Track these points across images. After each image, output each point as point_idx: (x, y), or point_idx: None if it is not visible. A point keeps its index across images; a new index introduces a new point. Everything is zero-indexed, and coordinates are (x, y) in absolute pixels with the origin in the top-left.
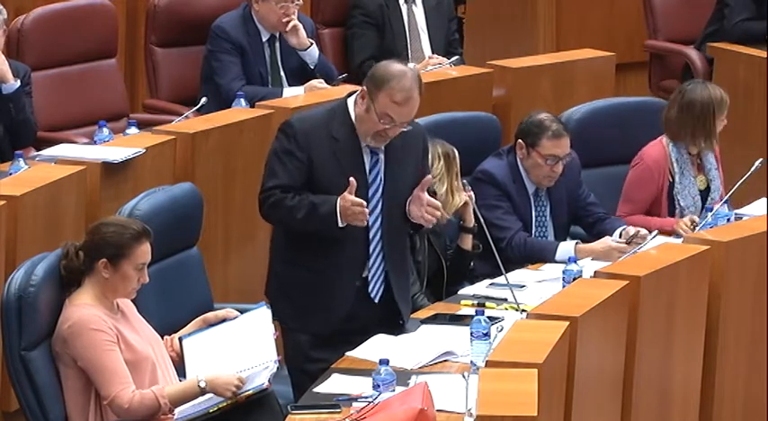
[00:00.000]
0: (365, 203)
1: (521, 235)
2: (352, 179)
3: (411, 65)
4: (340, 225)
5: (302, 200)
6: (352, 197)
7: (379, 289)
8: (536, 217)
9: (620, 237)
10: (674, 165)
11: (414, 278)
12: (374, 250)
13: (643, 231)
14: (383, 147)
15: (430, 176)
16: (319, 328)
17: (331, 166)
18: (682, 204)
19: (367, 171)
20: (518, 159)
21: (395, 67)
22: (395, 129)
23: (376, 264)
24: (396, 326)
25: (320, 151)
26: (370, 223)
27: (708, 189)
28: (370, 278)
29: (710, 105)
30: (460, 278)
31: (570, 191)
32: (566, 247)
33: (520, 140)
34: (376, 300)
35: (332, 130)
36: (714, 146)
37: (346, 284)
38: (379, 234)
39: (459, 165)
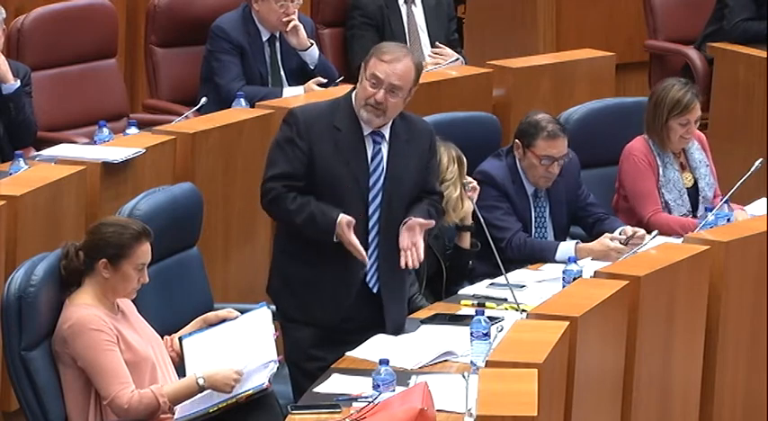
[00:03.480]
0: (363, 252)
1: (520, 235)
2: (352, 219)
3: None
4: (335, 240)
5: (303, 205)
6: (351, 236)
7: (376, 281)
8: (535, 217)
9: (619, 237)
10: (657, 158)
11: (412, 279)
12: (372, 241)
13: (641, 232)
14: (387, 137)
15: (433, 222)
16: (324, 320)
17: (332, 155)
18: (667, 198)
19: (369, 159)
20: (517, 160)
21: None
22: (382, 96)
23: (374, 256)
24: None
25: (322, 140)
26: (369, 213)
27: (695, 187)
28: (368, 269)
29: (663, 100)
30: (460, 277)
31: (570, 191)
32: (566, 247)
33: (517, 141)
34: (374, 291)
35: (335, 120)
36: (670, 146)
37: (350, 275)
38: (377, 226)
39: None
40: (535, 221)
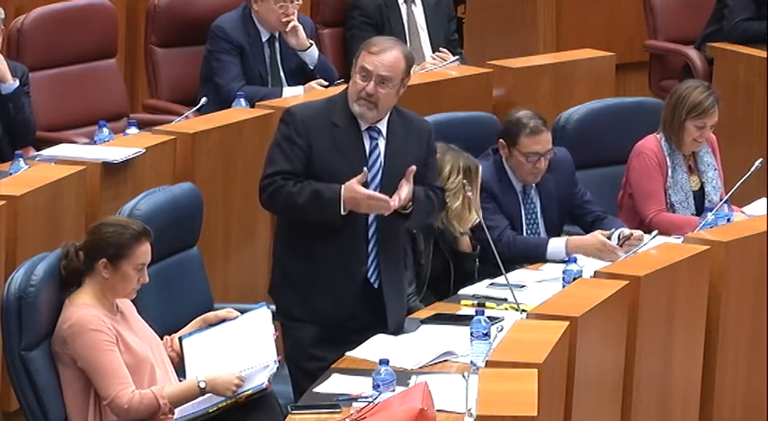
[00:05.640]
0: (387, 198)
1: (509, 233)
2: (365, 169)
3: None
4: (342, 212)
5: (304, 186)
6: (366, 190)
7: (377, 276)
8: (526, 214)
9: (618, 238)
10: (667, 159)
11: (411, 278)
12: (372, 236)
13: (637, 233)
14: (384, 133)
15: (414, 167)
16: (326, 316)
17: (331, 151)
18: (673, 199)
19: (366, 154)
20: (503, 158)
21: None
22: (372, 87)
23: (374, 252)
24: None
25: (319, 136)
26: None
27: (702, 190)
28: (368, 265)
29: (684, 100)
30: (467, 278)
31: (562, 189)
32: (556, 243)
33: (501, 140)
34: (376, 286)
35: (332, 117)
36: (681, 147)
37: (352, 270)
38: (376, 222)
39: (480, 180)
40: (526, 218)
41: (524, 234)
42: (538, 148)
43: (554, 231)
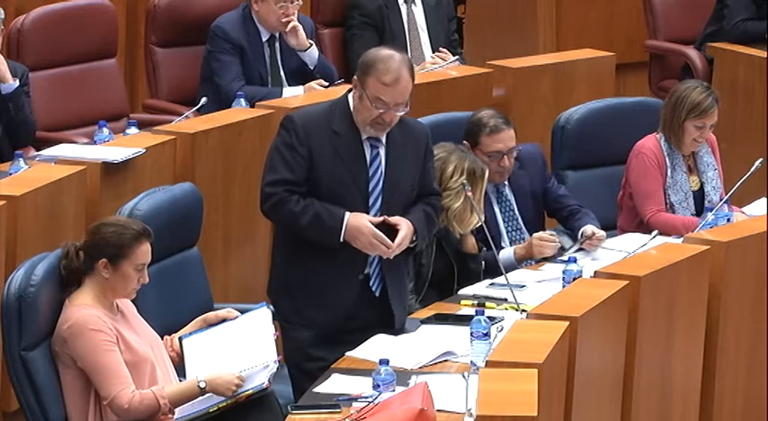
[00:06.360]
0: (390, 242)
1: None
2: (386, 217)
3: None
4: (340, 240)
5: (307, 206)
6: (374, 229)
7: (378, 284)
8: (502, 213)
9: (581, 236)
10: (666, 159)
11: (410, 278)
12: None
13: (600, 233)
14: (384, 141)
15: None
16: (322, 324)
17: (331, 159)
18: (672, 199)
19: (368, 163)
20: None
21: (381, 51)
22: (390, 114)
23: (376, 260)
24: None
25: (320, 144)
26: (370, 216)
27: (702, 190)
28: (371, 273)
29: (684, 101)
30: (473, 279)
31: (536, 184)
32: (505, 254)
33: (465, 142)
34: (377, 295)
35: (332, 124)
36: (681, 147)
37: (349, 280)
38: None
39: (485, 184)
40: (502, 216)
41: (504, 233)
42: (499, 146)
43: (532, 226)
